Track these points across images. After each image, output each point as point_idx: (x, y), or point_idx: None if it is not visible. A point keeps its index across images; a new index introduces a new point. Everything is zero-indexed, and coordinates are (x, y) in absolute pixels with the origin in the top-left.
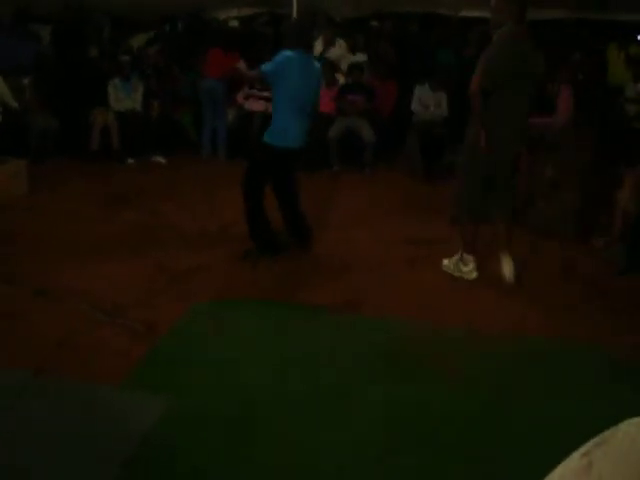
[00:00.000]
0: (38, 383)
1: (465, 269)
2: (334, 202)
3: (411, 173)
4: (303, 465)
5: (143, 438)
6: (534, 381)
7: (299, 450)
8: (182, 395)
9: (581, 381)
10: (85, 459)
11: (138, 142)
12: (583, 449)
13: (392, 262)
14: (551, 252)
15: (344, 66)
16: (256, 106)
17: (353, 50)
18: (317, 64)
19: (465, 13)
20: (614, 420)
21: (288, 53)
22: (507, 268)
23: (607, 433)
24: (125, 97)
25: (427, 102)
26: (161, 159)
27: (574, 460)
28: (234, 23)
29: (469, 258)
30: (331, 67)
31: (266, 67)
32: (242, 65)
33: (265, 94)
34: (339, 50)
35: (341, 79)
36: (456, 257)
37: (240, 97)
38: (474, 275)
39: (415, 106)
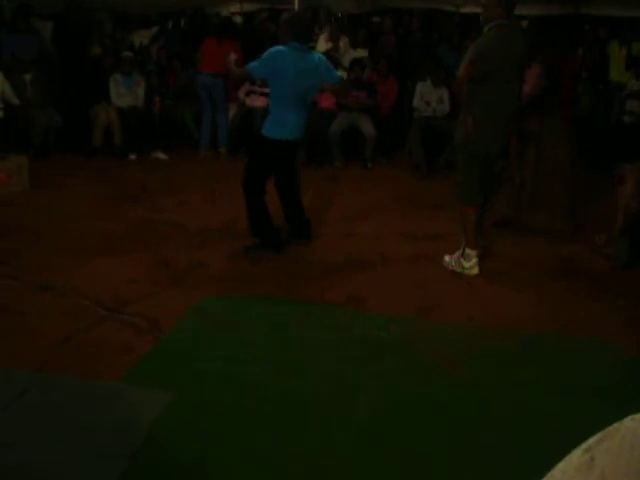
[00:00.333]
0: (41, 379)
1: (467, 264)
2: (336, 197)
3: (413, 169)
4: (303, 461)
5: (146, 434)
6: (535, 377)
7: (300, 446)
8: (184, 391)
9: (582, 377)
10: (90, 454)
11: (140, 138)
12: (585, 445)
13: (394, 258)
14: (553, 249)
15: (346, 62)
16: (258, 102)
17: (354, 46)
18: (318, 55)
19: (466, 9)
20: (615, 416)
21: (278, 49)
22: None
23: (609, 429)
24: (126, 92)
25: (429, 98)
26: (163, 155)
27: (576, 456)
28: (238, 19)
29: (472, 253)
30: (334, 63)
31: (253, 65)
32: (231, 58)
33: (266, 90)
34: (342, 46)
35: (343, 75)
36: (458, 253)
37: (241, 93)
38: (475, 271)
39: (417, 102)
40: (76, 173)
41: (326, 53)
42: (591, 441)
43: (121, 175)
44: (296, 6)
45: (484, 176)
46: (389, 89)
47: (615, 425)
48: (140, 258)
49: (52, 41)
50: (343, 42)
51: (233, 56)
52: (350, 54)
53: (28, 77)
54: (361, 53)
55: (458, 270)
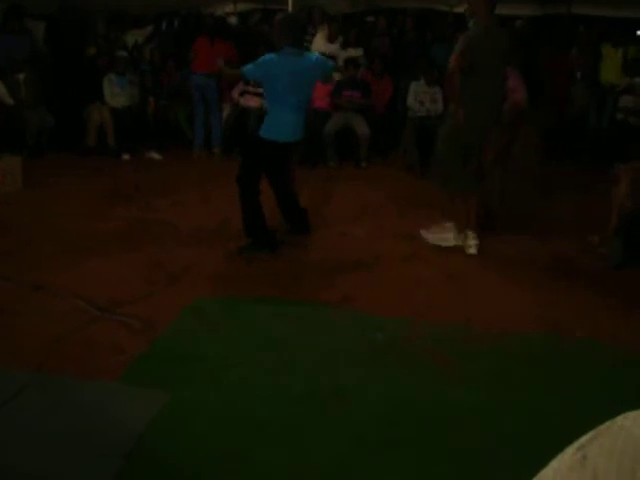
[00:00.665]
0: (36, 380)
1: (471, 242)
2: (330, 198)
3: (407, 169)
4: (301, 461)
5: (141, 433)
6: (532, 377)
7: (296, 446)
8: (179, 391)
9: (579, 377)
10: (85, 454)
11: (133, 138)
12: (577, 443)
13: (389, 258)
14: (545, 247)
15: (340, 62)
16: (251, 102)
17: (344, 46)
18: (315, 56)
19: (460, 9)
20: (610, 415)
21: (272, 57)
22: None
23: (602, 427)
24: (120, 92)
25: (423, 98)
26: (156, 155)
27: (568, 454)
28: (233, 19)
29: (471, 234)
30: None
31: (248, 67)
32: (220, 61)
33: (260, 90)
34: (337, 46)
35: (337, 75)
36: (436, 228)
37: (235, 93)
38: (474, 250)
39: (411, 102)
40: (70, 173)
41: (323, 54)
42: (584, 439)
43: (115, 175)
44: (290, 6)
45: (469, 164)
46: (384, 89)
47: (607, 423)
48: (134, 258)
49: (45, 41)
50: (338, 42)
51: (221, 61)
52: (345, 54)
53: (21, 77)
54: (352, 53)
55: (443, 245)
